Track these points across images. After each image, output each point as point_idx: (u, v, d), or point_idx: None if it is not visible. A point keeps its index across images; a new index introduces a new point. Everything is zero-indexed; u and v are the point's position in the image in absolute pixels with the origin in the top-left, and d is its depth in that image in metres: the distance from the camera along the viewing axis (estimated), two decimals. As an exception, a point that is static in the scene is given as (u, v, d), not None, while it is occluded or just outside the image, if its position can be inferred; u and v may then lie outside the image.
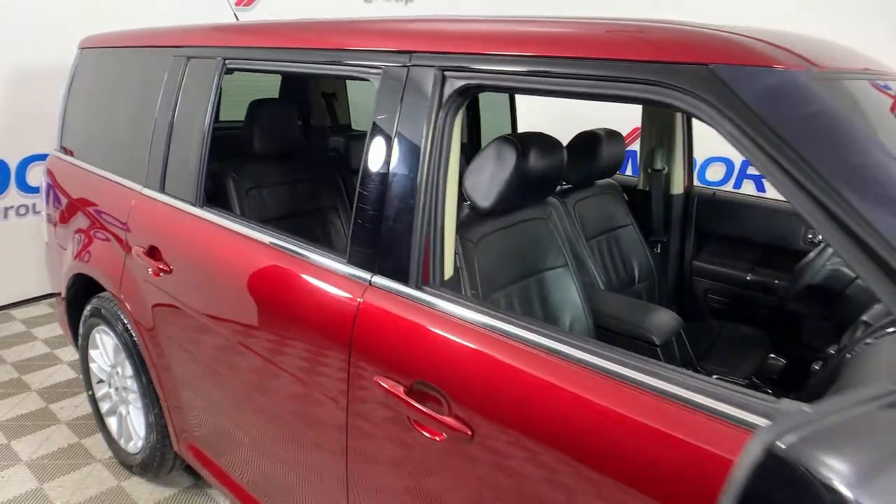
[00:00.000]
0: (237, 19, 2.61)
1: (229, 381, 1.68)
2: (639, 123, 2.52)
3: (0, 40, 3.39)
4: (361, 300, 1.28)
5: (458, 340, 1.13)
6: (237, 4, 4.41)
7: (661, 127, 2.47)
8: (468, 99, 1.25)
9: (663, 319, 1.75)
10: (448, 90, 1.22)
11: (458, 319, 1.15)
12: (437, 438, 1.13)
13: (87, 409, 2.66)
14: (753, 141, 0.86)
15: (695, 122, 2.39)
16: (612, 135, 2.25)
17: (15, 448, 2.49)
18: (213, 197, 2.25)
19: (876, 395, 0.63)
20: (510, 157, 1.49)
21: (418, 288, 1.23)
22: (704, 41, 0.96)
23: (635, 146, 2.77)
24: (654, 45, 0.99)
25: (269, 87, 3.18)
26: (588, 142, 2.20)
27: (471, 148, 3.37)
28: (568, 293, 1.80)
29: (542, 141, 1.58)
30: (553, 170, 1.64)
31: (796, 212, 0.82)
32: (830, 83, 0.94)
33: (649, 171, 2.48)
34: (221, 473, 1.88)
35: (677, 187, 2.47)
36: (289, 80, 3.29)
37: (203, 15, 2.58)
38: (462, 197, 1.48)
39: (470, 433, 1.08)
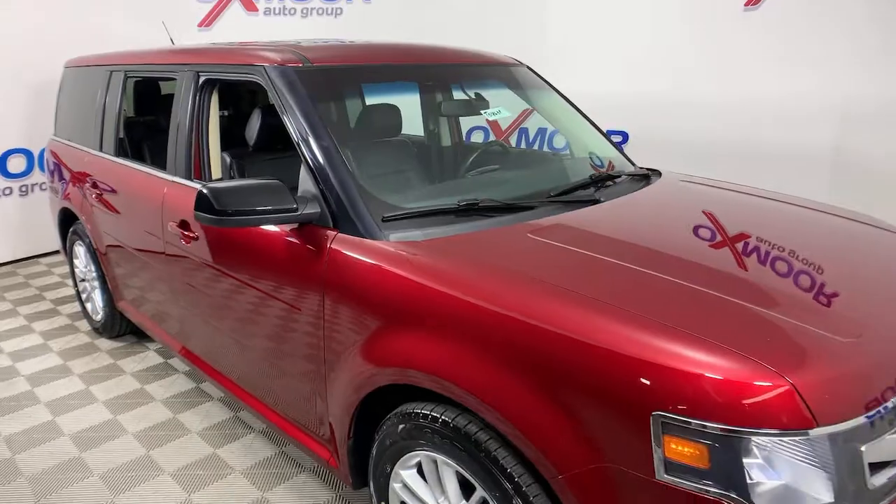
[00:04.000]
0: (173, 43, 3.96)
1: (128, 252, 3.02)
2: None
3: (26, 62, 4.84)
4: (167, 189, 2.60)
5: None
6: (199, 25, 5.78)
7: (431, 105, 3.69)
8: (213, 86, 2.53)
9: None
10: (201, 81, 2.52)
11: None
12: (186, 242, 2.44)
13: (79, 308, 4.06)
14: (275, 100, 2.12)
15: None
16: (389, 107, 3.48)
17: (32, 326, 3.91)
18: (138, 154, 3.59)
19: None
20: (258, 119, 2.75)
21: (190, 179, 2.53)
22: (265, 53, 2.22)
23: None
24: (251, 55, 2.26)
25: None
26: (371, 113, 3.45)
27: None
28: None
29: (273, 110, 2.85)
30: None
31: None
32: (314, 71, 2.18)
33: (427, 131, 3.71)
34: (135, 312, 3.24)
35: (445, 142, 3.70)
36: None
37: (176, 37, 3.95)
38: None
39: (196, 235, 2.38)
